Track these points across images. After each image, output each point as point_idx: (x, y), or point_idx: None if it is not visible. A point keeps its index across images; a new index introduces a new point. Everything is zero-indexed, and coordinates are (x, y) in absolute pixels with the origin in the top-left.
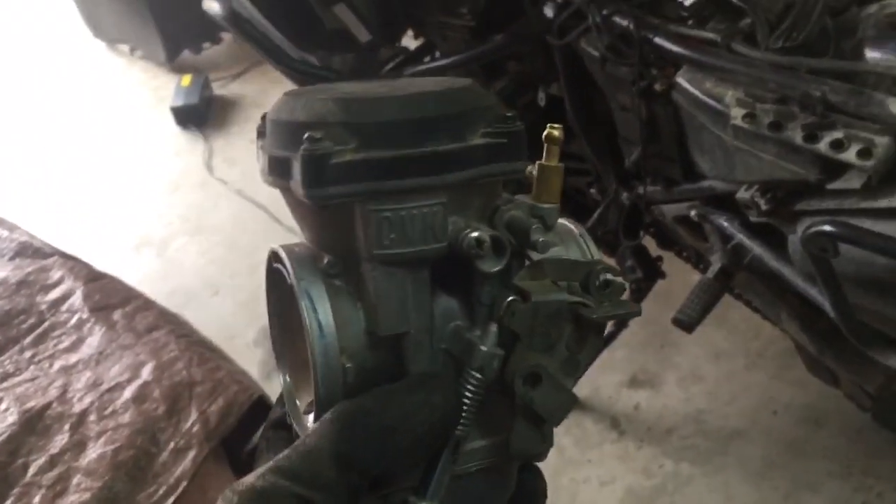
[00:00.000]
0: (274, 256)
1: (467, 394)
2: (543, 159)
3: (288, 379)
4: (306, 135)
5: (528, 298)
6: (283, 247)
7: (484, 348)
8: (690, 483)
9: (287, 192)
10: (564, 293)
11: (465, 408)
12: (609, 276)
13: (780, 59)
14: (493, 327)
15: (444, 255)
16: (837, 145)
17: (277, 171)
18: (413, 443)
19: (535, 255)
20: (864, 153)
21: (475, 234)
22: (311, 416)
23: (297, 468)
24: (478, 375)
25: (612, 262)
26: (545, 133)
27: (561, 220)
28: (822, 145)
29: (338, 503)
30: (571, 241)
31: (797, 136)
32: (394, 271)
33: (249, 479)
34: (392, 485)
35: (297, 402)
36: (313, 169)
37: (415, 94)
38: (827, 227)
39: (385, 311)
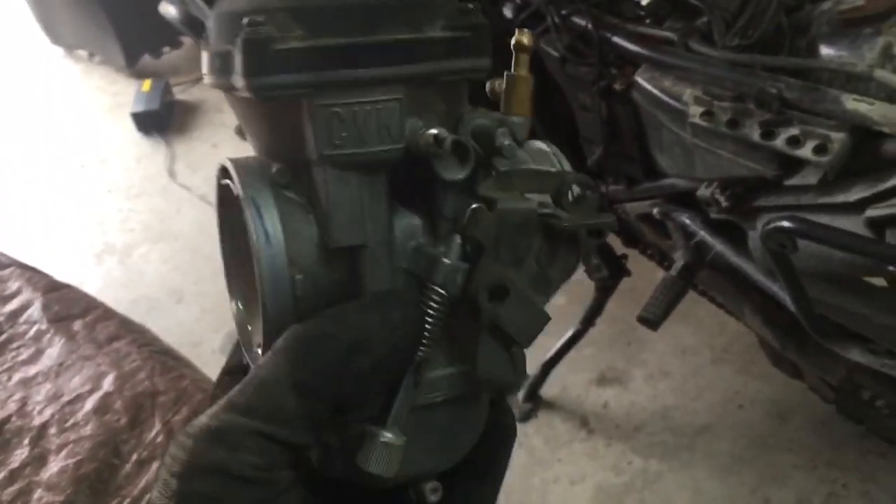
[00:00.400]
0: (222, 171)
1: (430, 312)
2: (512, 69)
3: (240, 307)
4: (246, 20)
5: (493, 207)
6: (232, 159)
7: (446, 261)
8: (659, 479)
9: (231, 92)
10: (534, 202)
11: (427, 328)
12: (582, 189)
13: (737, 57)
14: (457, 239)
15: (400, 159)
16: (794, 142)
17: (219, 67)
18: (374, 365)
19: (503, 166)
20: (820, 149)
21: (434, 131)
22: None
23: (254, 402)
24: (440, 291)
25: None
26: (513, 40)
27: (532, 141)
28: (779, 142)
29: (301, 436)
30: (543, 158)
31: (754, 133)
32: (347, 176)
33: (202, 419)
34: (352, 412)
35: (251, 333)
36: (255, 56)
37: None
38: (785, 223)
39: (338, 220)
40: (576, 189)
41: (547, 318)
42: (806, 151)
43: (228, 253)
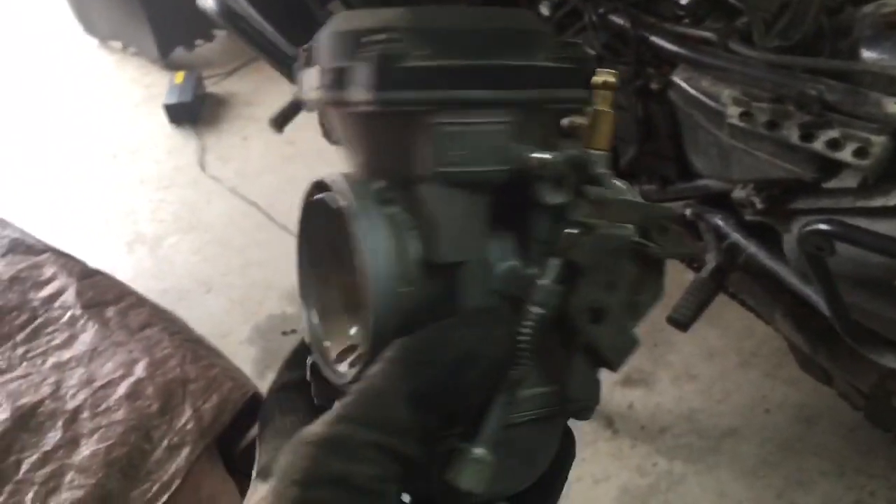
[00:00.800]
0: (318, 185)
1: (526, 331)
2: (596, 105)
3: (315, 320)
4: (380, 36)
5: (591, 231)
6: (329, 175)
7: (545, 282)
8: (684, 481)
9: (341, 107)
10: (630, 229)
11: (523, 346)
12: (667, 222)
13: (777, 58)
14: (554, 261)
15: (504, 181)
16: (834, 144)
17: (331, 82)
18: (480, 378)
19: (594, 195)
20: (861, 152)
21: (543, 155)
22: (345, 364)
23: (370, 413)
24: (538, 311)
25: None
26: (596, 79)
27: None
28: (819, 144)
29: (413, 448)
30: (624, 191)
31: (793, 135)
32: (454, 193)
33: (316, 428)
34: (452, 427)
35: (327, 348)
36: (384, 70)
37: (485, 8)
38: (823, 226)
39: (444, 237)
40: (661, 220)
41: (637, 343)
42: (846, 154)
43: (307, 265)
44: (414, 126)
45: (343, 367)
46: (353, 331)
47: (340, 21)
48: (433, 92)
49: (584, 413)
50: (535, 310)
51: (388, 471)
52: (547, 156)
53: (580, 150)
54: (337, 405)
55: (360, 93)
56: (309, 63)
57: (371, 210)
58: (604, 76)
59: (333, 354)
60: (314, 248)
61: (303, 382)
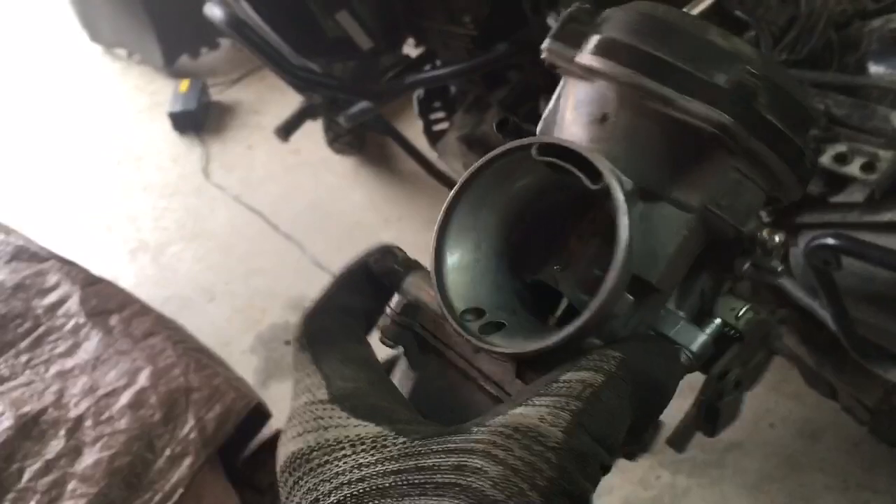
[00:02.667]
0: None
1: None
2: None
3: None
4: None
5: (758, 313)
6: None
7: (704, 336)
8: (687, 495)
9: (659, 104)
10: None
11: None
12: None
13: None
14: (717, 322)
15: (732, 237)
16: (841, 158)
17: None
18: (663, 406)
19: (771, 279)
20: (868, 167)
21: (775, 235)
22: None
23: (604, 432)
24: (687, 356)
25: None
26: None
27: None
28: (826, 158)
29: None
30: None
31: None
32: (696, 231)
33: (556, 433)
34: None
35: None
36: (742, 105)
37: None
38: (830, 240)
39: (664, 265)
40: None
41: (738, 415)
42: (853, 169)
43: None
44: (716, 153)
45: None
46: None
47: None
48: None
49: (639, 451)
50: (685, 355)
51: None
52: (778, 237)
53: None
54: (566, 398)
55: (711, 112)
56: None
57: (634, 209)
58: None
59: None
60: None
61: (359, 309)
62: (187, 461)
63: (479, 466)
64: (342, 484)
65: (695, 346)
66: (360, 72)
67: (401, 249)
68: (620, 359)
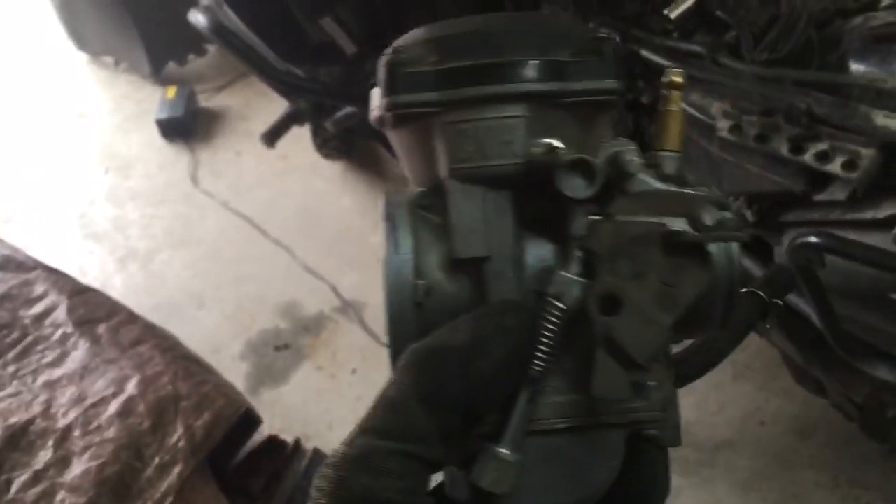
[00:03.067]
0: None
1: (546, 324)
2: (661, 106)
3: None
4: (388, 49)
5: (610, 219)
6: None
7: (562, 273)
8: (679, 495)
9: (381, 127)
10: (658, 220)
11: (543, 338)
12: (720, 212)
13: (766, 72)
14: (578, 253)
15: (522, 174)
16: (823, 157)
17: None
18: (494, 370)
19: (634, 188)
20: (849, 165)
21: (550, 142)
22: None
23: (387, 423)
24: (556, 303)
25: None
26: (663, 79)
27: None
28: (808, 157)
29: (436, 450)
30: (650, 183)
31: (783, 148)
32: (472, 189)
33: (340, 449)
34: (475, 427)
35: None
36: (389, 77)
37: (501, 14)
38: (813, 238)
39: (461, 232)
40: (715, 213)
41: (667, 337)
42: (835, 167)
43: None
44: (431, 129)
45: None
46: None
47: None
48: (436, 93)
49: (646, 425)
50: (554, 302)
51: (415, 480)
52: (553, 143)
53: (627, 146)
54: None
55: (377, 101)
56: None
57: (399, 213)
58: (671, 76)
59: None
60: None
61: None
62: (176, 469)
63: None
64: None
65: (553, 287)
66: (345, 77)
67: None
68: (412, 348)
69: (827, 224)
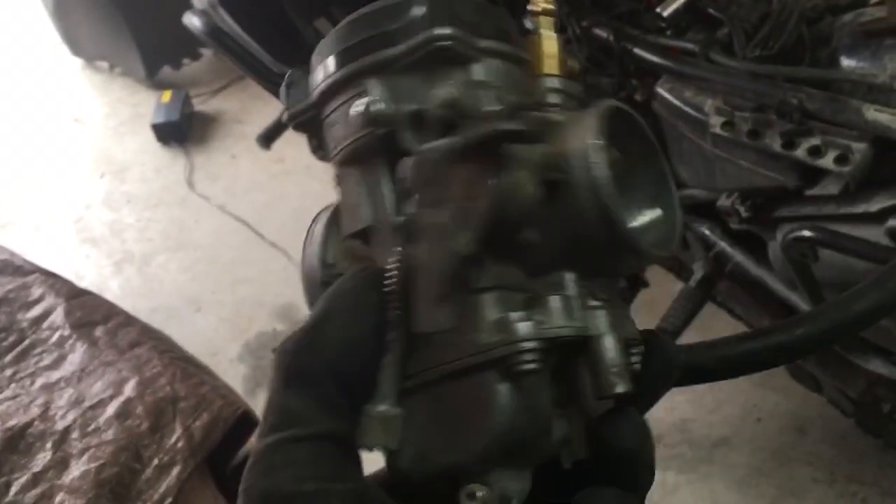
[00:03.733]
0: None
1: (388, 275)
2: (535, 31)
3: None
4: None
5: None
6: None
7: (396, 218)
8: (676, 491)
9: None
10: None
11: (390, 290)
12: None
13: (758, 68)
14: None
15: (381, 142)
16: (815, 152)
17: None
18: (339, 331)
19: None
20: (842, 159)
21: (369, 100)
22: None
23: (270, 421)
24: (395, 249)
25: None
26: (533, 7)
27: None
28: (800, 152)
29: (321, 424)
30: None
31: (775, 144)
32: (348, 171)
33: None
34: (359, 395)
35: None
36: (284, 96)
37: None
38: (806, 232)
39: (346, 210)
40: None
41: (466, 253)
42: (827, 161)
43: None
44: (321, 133)
45: None
46: None
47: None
48: (312, 95)
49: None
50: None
51: (309, 464)
52: (369, 101)
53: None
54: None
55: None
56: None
57: (322, 216)
58: (542, 3)
59: None
60: None
61: None
62: (175, 470)
63: None
64: None
65: (380, 236)
66: None
67: None
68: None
69: (820, 218)
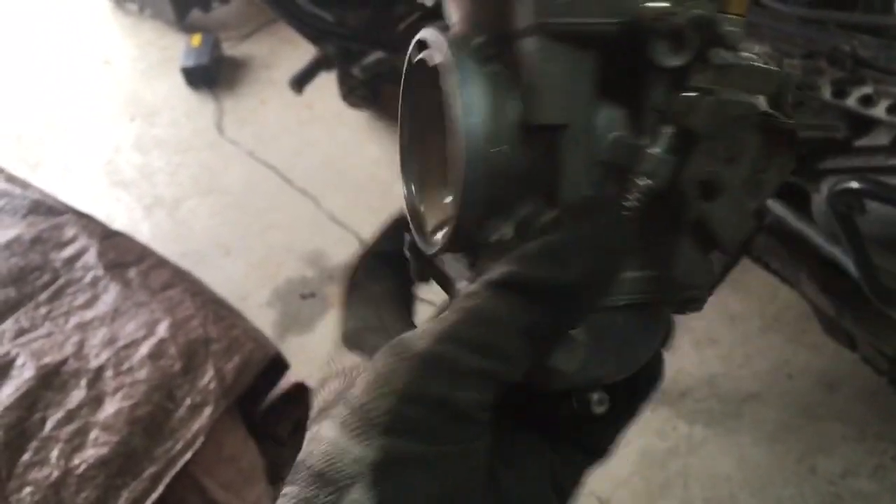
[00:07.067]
0: (419, 44)
1: (631, 205)
2: None
3: (413, 190)
4: None
5: (712, 96)
6: (430, 29)
7: (655, 150)
8: (704, 445)
9: None
10: (757, 98)
11: (626, 221)
12: (802, 93)
13: (809, 13)
14: (667, 130)
15: (616, 36)
16: (866, 101)
17: None
18: (592, 303)
19: (720, 60)
20: (894, 109)
21: (660, 4)
22: (440, 233)
23: (481, 339)
24: (645, 181)
25: None
26: None
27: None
28: (851, 101)
29: (518, 373)
30: (753, 57)
31: (826, 92)
32: (558, 48)
33: (422, 342)
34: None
35: (424, 217)
36: None
37: None
38: (854, 184)
39: (543, 96)
40: (797, 94)
41: (754, 225)
42: (879, 111)
43: (407, 137)
44: None
45: (439, 236)
46: (447, 199)
47: None
48: None
49: (691, 305)
50: (643, 181)
51: (489, 397)
52: (666, 5)
53: (707, 8)
54: (445, 318)
55: None
56: None
57: (468, 65)
58: None
59: (430, 227)
60: (415, 116)
61: (396, 255)
62: (207, 410)
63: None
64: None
65: (644, 166)
66: (374, 21)
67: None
68: (516, 267)
69: (868, 170)
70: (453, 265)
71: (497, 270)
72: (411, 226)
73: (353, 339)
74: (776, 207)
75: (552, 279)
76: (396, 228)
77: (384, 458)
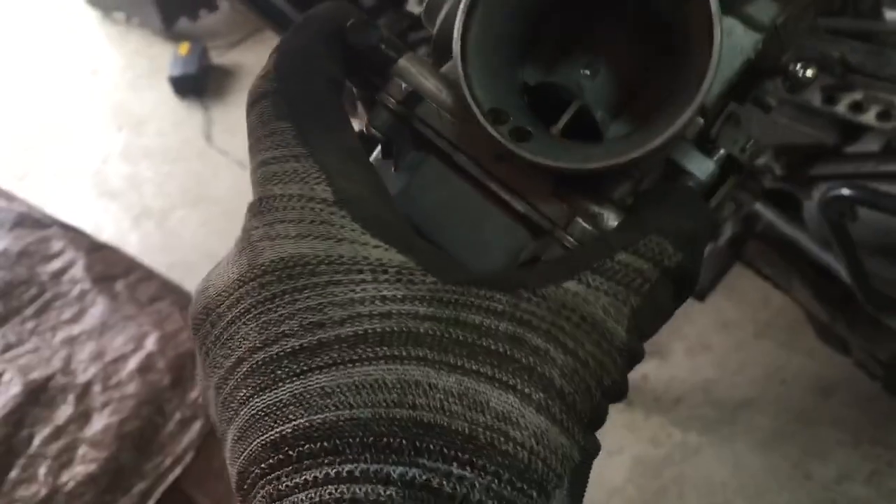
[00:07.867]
0: None
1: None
2: None
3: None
4: None
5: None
6: None
7: (713, 166)
8: (698, 452)
9: None
10: None
11: None
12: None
13: None
14: (722, 151)
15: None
16: (856, 107)
17: None
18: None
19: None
20: (884, 115)
21: (808, 68)
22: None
23: (651, 333)
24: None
25: None
26: None
27: None
28: (841, 107)
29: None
30: None
31: (815, 99)
32: (756, 55)
33: (620, 331)
34: None
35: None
36: None
37: None
38: (846, 191)
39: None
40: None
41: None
42: (869, 117)
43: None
44: None
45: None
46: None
47: None
48: None
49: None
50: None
51: None
52: (811, 72)
53: None
54: (619, 293)
55: None
56: None
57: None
58: None
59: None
60: None
61: (336, 78)
62: (197, 425)
63: (542, 348)
64: (360, 315)
65: (704, 176)
66: None
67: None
68: (679, 260)
69: (859, 177)
70: (513, 171)
71: (671, 256)
72: (474, 109)
73: (364, 216)
74: (768, 214)
75: (692, 272)
76: (331, 38)
77: (584, 459)
